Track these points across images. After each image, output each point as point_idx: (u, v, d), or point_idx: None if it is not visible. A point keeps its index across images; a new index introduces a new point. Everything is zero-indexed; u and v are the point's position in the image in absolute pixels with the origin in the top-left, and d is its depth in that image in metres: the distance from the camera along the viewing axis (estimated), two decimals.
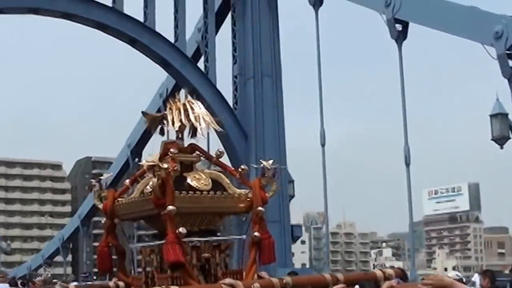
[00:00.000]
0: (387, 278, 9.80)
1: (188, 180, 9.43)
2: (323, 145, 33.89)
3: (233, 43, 35.65)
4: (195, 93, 32.05)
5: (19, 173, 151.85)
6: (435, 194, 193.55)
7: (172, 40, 34.89)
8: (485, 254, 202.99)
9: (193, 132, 9.82)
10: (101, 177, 10.23)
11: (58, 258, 67.17)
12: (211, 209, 9.58)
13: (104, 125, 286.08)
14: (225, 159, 29.30)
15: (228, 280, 8.71)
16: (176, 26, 35.33)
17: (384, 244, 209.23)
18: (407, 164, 30.42)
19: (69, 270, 70.78)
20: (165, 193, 8.77)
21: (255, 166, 10.32)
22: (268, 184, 9.92)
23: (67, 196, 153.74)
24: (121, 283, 10.14)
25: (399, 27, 30.65)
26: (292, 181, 35.44)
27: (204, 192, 9.37)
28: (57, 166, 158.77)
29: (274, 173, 10.00)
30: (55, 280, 19.10)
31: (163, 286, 8.35)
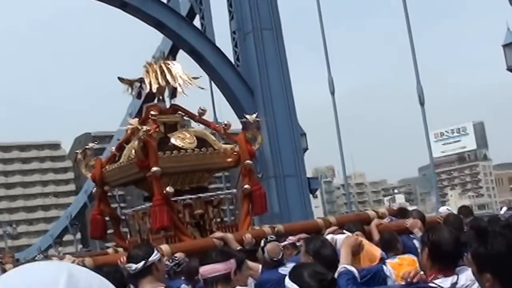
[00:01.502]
0: (380, 217, 10.48)
1: (172, 140, 10.12)
2: (332, 93, 33.93)
3: None
4: (194, 53, 31.79)
5: (17, 157, 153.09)
6: (441, 136, 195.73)
7: (165, 0, 34.99)
8: (497, 191, 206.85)
9: (173, 92, 10.46)
10: (87, 147, 10.89)
11: (68, 237, 68.34)
12: (199, 167, 10.28)
13: (101, 98, 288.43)
14: (232, 116, 29.36)
15: (218, 234, 9.41)
16: None
17: (396, 191, 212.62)
18: (422, 104, 30.63)
19: (79, 248, 71.54)
20: (148, 155, 9.42)
21: (241, 120, 10.87)
22: (254, 136, 10.58)
23: (70, 175, 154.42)
24: (120, 249, 10.87)
25: None
26: (304, 134, 35.70)
27: (189, 150, 10.05)
28: (55, 146, 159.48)
29: (259, 126, 10.65)
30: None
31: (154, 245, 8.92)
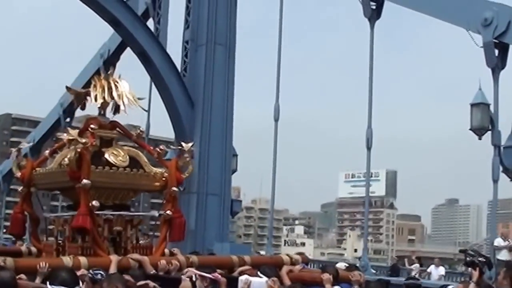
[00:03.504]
0: (293, 263, 11.12)
1: (106, 156, 10.62)
2: (276, 120, 34.17)
3: (187, 6, 35.95)
4: (143, 56, 32.03)
5: None
6: (352, 177, 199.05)
7: None
8: (396, 240, 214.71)
9: (116, 109, 10.96)
10: (21, 146, 11.30)
11: None
12: (126, 185, 10.81)
13: (29, 82, 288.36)
14: (169, 127, 29.68)
15: (135, 256, 9.94)
16: None
17: (297, 221, 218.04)
18: (368, 148, 30.80)
19: None
20: (81, 166, 9.88)
21: (173, 147, 11.38)
22: (185, 165, 11.12)
23: None
24: (33, 249, 11.32)
25: (373, 5, 31.00)
26: (235, 155, 36.16)
27: (120, 169, 10.56)
28: None
29: (192, 155, 11.21)
30: None
31: (71, 256, 9.37)
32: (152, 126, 38.46)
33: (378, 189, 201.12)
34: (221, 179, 34.20)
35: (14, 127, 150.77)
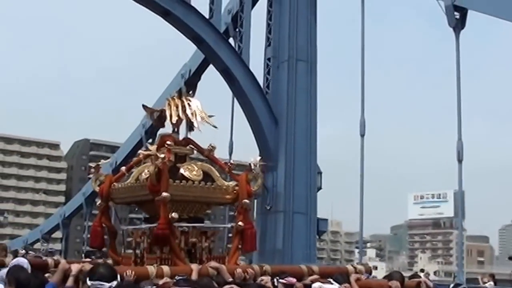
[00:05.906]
0: (357, 273, 11.89)
1: (181, 170, 11.61)
2: (362, 135, 34.38)
3: (268, 24, 36.81)
4: (227, 73, 33.43)
5: (16, 150, 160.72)
6: (421, 198, 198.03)
7: (207, 16, 35.98)
8: (465, 262, 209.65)
9: (190, 126, 11.97)
10: (100, 163, 12.37)
11: (55, 235, 71.32)
12: (201, 199, 11.76)
13: (107, 107, 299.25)
14: (253, 144, 30.90)
15: (213, 263, 10.82)
16: (211, 2, 36.39)
17: (368, 245, 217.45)
18: (460, 161, 30.67)
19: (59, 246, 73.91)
20: (160, 180, 10.86)
21: (245, 162, 12.31)
22: (255, 178, 12.02)
23: (62, 175, 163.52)
24: (109, 261, 12.32)
25: (457, 14, 31.15)
26: (320, 173, 36.56)
27: (195, 182, 11.52)
28: (54, 145, 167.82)
29: (263, 169, 12.10)
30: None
31: (154, 265, 10.28)
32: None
33: (447, 210, 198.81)
34: (306, 197, 34.77)
35: (92, 152, 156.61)
